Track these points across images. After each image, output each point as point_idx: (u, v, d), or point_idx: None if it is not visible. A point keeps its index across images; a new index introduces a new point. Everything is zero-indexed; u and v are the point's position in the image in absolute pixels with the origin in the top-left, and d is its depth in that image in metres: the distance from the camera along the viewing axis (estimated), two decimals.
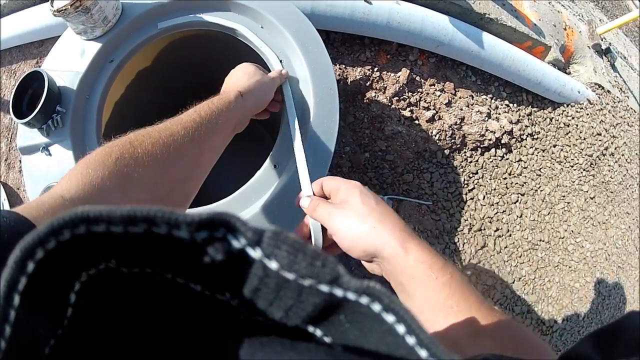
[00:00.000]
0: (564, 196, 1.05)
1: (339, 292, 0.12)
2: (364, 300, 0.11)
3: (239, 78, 0.55)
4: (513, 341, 0.31)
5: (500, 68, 1.03)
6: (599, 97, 1.12)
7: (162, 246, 0.11)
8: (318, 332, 0.13)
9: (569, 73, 1.14)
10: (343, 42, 0.94)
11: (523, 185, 1.02)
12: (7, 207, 0.94)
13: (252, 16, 0.75)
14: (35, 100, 0.66)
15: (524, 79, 1.05)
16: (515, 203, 1.01)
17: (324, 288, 0.12)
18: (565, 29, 1.13)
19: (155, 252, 0.12)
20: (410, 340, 0.11)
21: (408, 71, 0.95)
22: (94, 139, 0.69)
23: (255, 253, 0.12)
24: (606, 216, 1.09)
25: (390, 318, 0.11)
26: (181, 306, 0.13)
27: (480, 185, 0.99)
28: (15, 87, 0.67)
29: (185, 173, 0.42)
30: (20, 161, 0.97)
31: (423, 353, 0.11)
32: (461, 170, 0.98)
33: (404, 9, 0.96)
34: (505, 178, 1.02)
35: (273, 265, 0.12)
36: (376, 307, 0.11)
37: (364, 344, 0.12)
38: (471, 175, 0.99)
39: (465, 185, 0.98)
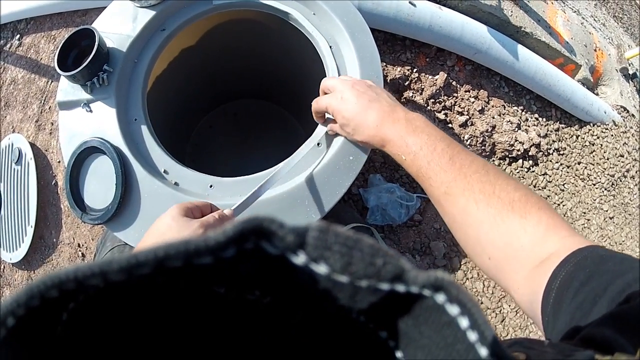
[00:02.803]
0: (584, 213, 1.06)
1: (401, 288, 0.10)
2: (427, 292, 0.10)
3: (150, 234, 0.44)
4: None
5: (533, 81, 1.05)
6: (624, 120, 1.14)
7: (181, 273, 0.10)
8: (362, 319, 0.12)
9: (597, 94, 1.16)
10: (385, 41, 0.95)
11: (547, 198, 1.03)
12: (33, 167, 0.93)
13: (305, 3, 0.76)
14: (82, 57, 0.66)
15: (554, 94, 1.07)
16: None
17: (384, 286, 0.10)
18: (595, 50, 1.16)
19: (172, 276, 0.10)
20: (472, 336, 0.10)
21: (445, 75, 0.96)
22: (139, 102, 0.69)
23: (298, 258, 0.10)
24: (623, 237, 1.10)
25: (454, 310, 0.10)
26: (197, 305, 0.11)
27: None
28: (63, 41, 0.66)
29: None
30: (51, 123, 0.96)
31: (483, 351, 0.10)
32: None
33: (445, 14, 0.98)
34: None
35: (322, 269, 0.10)
36: (440, 298, 0.10)
37: (416, 337, 0.11)
38: None
39: None
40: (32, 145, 0.96)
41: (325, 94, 0.57)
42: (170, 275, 0.10)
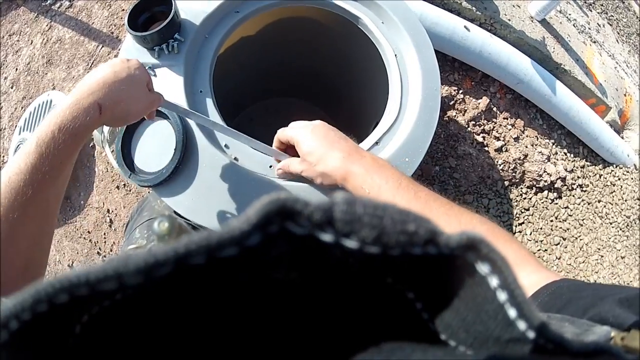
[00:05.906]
0: (599, 249, 1.10)
1: (432, 250, 0.10)
2: (459, 251, 0.10)
3: (106, 82, 0.39)
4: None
5: (566, 117, 1.09)
6: None
7: (204, 269, 0.09)
8: (389, 280, 0.11)
9: (622, 137, 1.21)
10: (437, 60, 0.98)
11: (566, 231, 1.07)
12: None
13: (376, 11, 0.79)
14: (151, 22, 0.67)
15: (583, 132, 1.11)
16: (556, 245, 1.05)
17: (416, 250, 0.10)
18: (625, 95, 1.21)
19: (194, 274, 0.09)
20: (502, 295, 0.10)
21: (488, 100, 1.00)
22: (206, 76, 0.70)
23: (327, 236, 0.09)
24: (631, 278, 1.14)
25: (484, 269, 0.10)
26: (218, 294, 0.11)
27: (529, 222, 1.03)
28: (137, 3, 0.67)
29: (36, 237, 0.34)
30: None
31: (512, 312, 0.10)
32: (515, 203, 1.02)
33: (495, 43, 1.02)
34: (551, 221, 1.06)
35: (352, 244, 0.09)
36: (471, 256, 0.10)
37: (444, 297, 0.11)
38: (523, 211, 1.03)
39: (517, 219, 1.02)
40: None
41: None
42: (192, 273, 0.09)
